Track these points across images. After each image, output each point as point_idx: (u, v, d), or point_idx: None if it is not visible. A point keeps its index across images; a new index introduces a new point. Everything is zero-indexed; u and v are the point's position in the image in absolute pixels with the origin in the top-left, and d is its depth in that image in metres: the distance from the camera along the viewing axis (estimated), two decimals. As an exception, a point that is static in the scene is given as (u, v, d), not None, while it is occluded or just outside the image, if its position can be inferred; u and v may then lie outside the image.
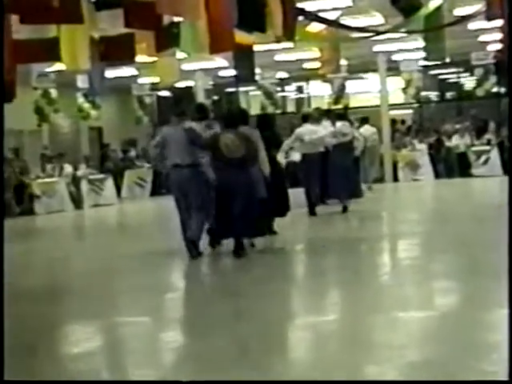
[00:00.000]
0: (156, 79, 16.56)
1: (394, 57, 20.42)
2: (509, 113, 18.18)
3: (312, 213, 12.48)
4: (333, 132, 12.89)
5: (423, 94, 22.27)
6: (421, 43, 15.55)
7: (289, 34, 10.60)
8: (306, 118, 12.85)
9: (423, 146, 20.46)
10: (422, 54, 16.09)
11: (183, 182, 8.75)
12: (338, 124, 13.16)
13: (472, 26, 15.22)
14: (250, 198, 8.50)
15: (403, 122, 23.17)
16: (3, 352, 4.00)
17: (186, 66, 18.53)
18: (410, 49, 18.83)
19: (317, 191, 12.57)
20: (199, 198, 8.72)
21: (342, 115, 13.97)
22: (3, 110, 5.96)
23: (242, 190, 8.43)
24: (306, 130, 12.52)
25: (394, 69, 20.84)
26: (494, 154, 18.92)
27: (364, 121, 17.89)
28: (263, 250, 9.07)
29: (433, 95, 24.96)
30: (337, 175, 12.48)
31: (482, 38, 17.71)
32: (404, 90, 21.03)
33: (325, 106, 23.51)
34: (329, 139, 12.70)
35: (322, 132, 12.64)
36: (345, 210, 12.61)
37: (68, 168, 18.67)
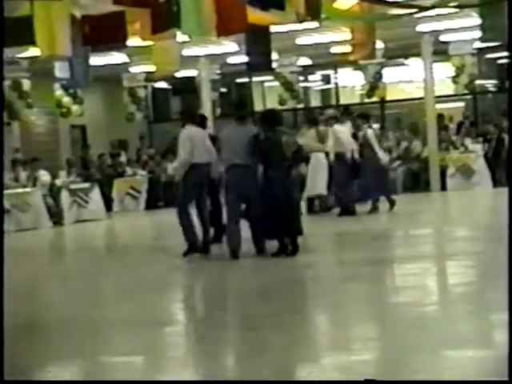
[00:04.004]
0: (151, 68, 16.65)
1: (442, 37, 20.42)
2: (509, 113, 18.20)
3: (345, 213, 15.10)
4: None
5: (478, 82, 22.21)
6: (475, 20, 15.52)
7: (313, 11, 10.63)
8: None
9: (478, 147, 20.39)
10: (478, 34, 16.06)
11: (245, 181, 10.40)
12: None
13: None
14: (296, 199, 10.56)
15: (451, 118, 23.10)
16: (3, 352, 4.47)
17: (187, 52, 18.63)
18: (462, 27, 18.81)
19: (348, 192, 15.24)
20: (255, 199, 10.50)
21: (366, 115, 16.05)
22: (3, 111, 6.09)
23: (291, 190, 10.25)
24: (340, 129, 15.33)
25: (441, 52, 20.83)
26: None
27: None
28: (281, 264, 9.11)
29: (490, 84, 24.88)
30: (368, 174, 14.99)
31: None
32: (454, 78, 21.00)
33: (356, 99, 23.64)
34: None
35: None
36: (376, 209, 15.22)
37: (45, 176, 18.73)
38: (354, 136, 15.33)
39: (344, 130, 15.34)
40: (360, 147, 15.22)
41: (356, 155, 15.11)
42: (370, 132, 15.44)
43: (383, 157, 15.68)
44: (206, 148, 11.13)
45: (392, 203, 15.32)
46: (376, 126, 18.15)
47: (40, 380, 4.74)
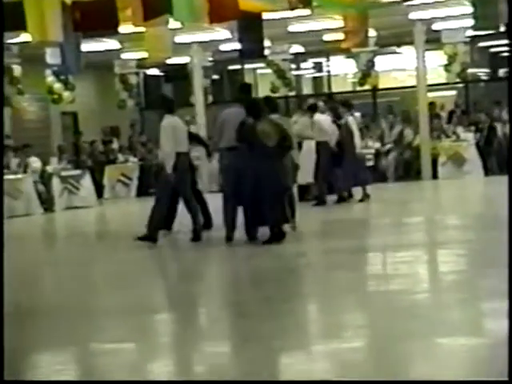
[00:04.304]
0: (143, 54, 16.59)
1: (435, 26, 20.39)
2: (509, 109, 18.20)
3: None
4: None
5: (470, 71, 22.20)
6: (468, 8, 15.50)
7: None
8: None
9: (470, 136, 20.41)
10: (470, 22, 16.04)
11: (240, 165, 10.34)
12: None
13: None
14: (282, 187, 10.37)
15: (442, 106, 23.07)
16: (3, 352, 4.52)
17: (179, 39, 18.56)
18: (455, 15, 18.79)
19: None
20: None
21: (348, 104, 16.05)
22: (3, 111, 6.06)
23: (276, 178, 10.14)
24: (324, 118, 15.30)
25: (434, 41, 20.81)
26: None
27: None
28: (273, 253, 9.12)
29: (482, 73, 24.87)
30: (352, 163, 15.07)
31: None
32: (446, 66, 20.99)
33: (349, 87, 23.63)
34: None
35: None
36: (367, 196, 15.15)
37: (36, 162, 18.68)
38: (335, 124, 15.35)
39: (326, 118, 15.37)
40: (342, 136, 15.19)
41: (333, 143, 15.12)
42: (350, 119, 15.43)
43: (360, 145, 15.71)
44: (186, 138, 11.33)
45: (350, 195, 15.51)
46: (357, 114, 18.20)
47: (40, 380, 4.70)
